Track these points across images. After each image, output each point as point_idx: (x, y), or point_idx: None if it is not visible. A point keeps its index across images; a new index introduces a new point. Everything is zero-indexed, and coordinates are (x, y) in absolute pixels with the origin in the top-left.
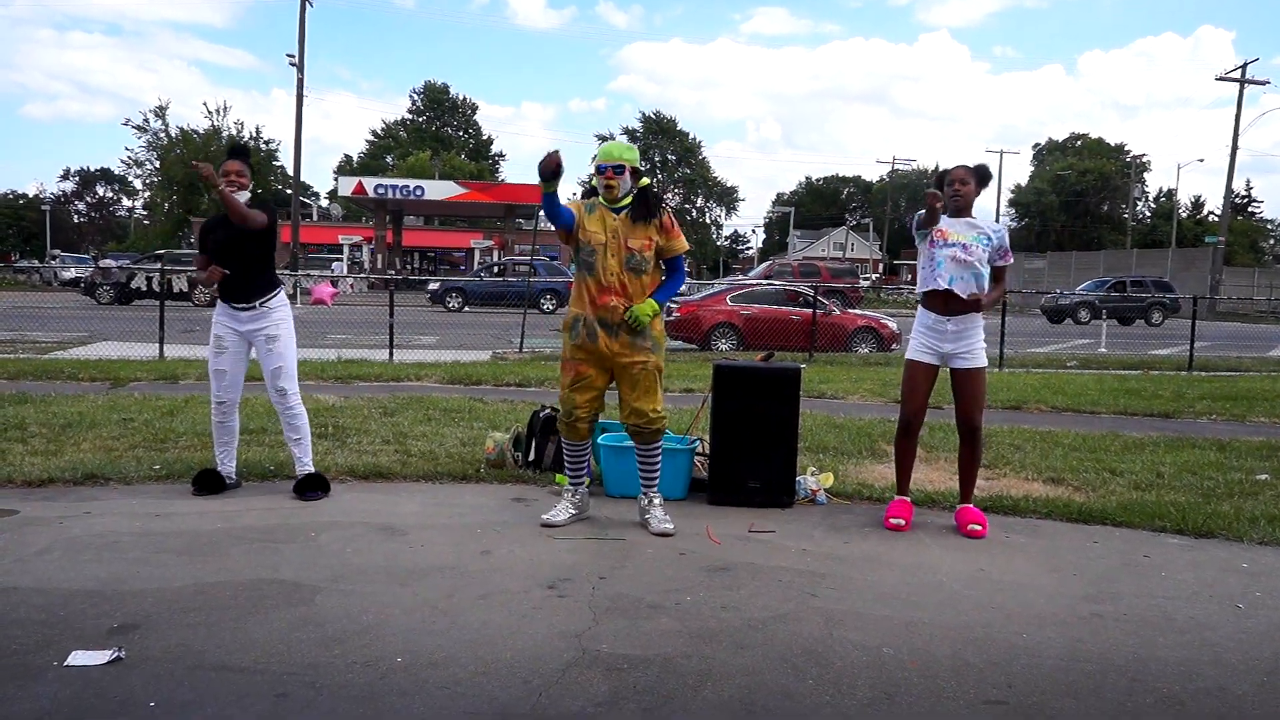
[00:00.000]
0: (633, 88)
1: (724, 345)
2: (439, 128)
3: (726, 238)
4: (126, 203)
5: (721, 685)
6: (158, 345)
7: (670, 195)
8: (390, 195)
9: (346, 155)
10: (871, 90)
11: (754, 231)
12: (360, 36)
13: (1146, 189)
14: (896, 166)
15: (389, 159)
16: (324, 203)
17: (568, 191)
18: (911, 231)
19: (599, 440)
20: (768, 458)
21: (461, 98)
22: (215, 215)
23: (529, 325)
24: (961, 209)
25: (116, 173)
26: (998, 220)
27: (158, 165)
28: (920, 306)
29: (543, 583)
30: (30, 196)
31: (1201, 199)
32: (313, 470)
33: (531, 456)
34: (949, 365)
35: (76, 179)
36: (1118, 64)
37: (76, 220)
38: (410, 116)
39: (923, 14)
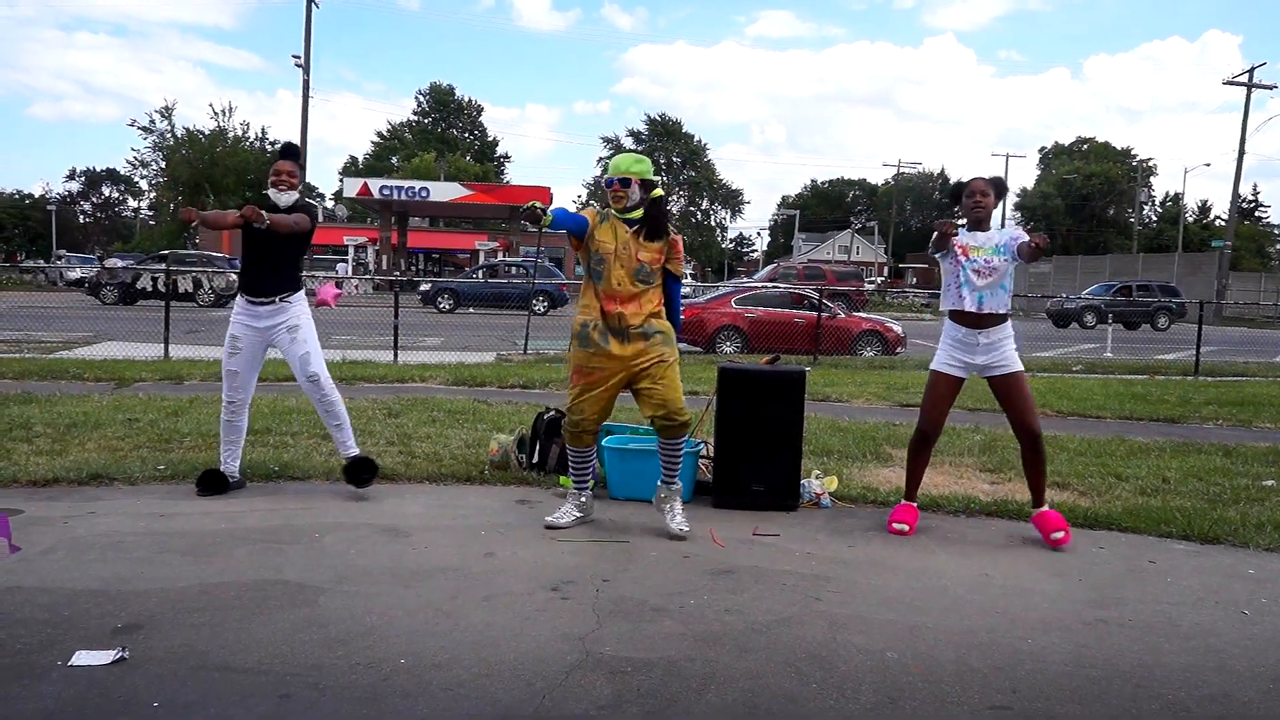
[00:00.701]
0: (637, 90)
1: (728, 348)
2: (444, 129)
3: (731, 240)
4: (132, 203)
5: (725, 689)
6: (163, 345)
7: (675, 198)
8: (395, 196)
9: (352, 156)
10: (876, 93)
11: (759, 234)
12: (366, 38)
13: (1153, 193)
14: (902, 170)
15: (394, 160)
16: (329, 204)
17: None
18: (931, 254)
19: (603, 443)
20: (772, 461)
21: (467, 99)
22: (266, 201)
23: (533, 327)
24: (981, 221)
25: (122, 173)
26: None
27: (163, 166)
28: (948, 319)
29: (546, 585)
30: (36, 197)
31: (1208, 203)
32: (357, 453)
33: (535, 459)
34: (986, 376)
35: (82, 179)
36: (1124, 68)
37: (82, 221)
38: (415, 118)
39: (928, 17)
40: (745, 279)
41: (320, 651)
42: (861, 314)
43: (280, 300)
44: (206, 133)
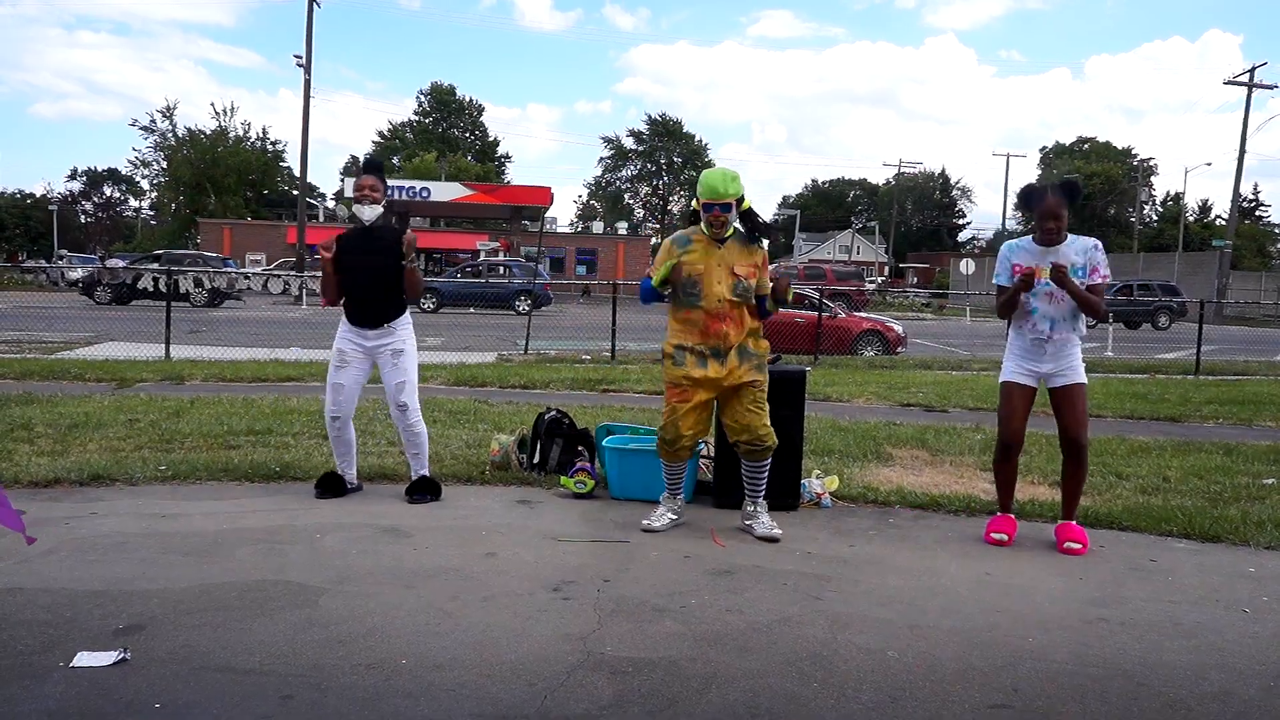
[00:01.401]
0: (639, 90)
1: None
2: (445, 129)
3: None
4: (134, 203)
5: (726, 689)
6: (164, 346)
7: (675, 197)
8: (396, 196)
9: (353, 156)
10: (878, 93)
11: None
12: (367, 37)
13: (1154, 193)
14: (903, 169)
15: (395, 160)
16: (330, 203)
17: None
18: (997, 298)
19: (603, 443)
20: (773, 461)
21: (468, 99)
22: (351, 231)
23: (534, 328)
24: (1056, 243)
25: (124, 173)
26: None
27: (165, 165)
28: (1013, 330)
29: (547, 585)
30: (38, 196)
31: (1209, 203)
32: (427, 474)
33: (536, 459)
34: (1048, 384)
35: (84, 179)
36: (1125, 68)
37: (84, 220)
38: (417, 118)
39: (929, 17)
40: None
41: (322, 652)
42: (862, 314)
43: (386, 325)
44: (208, 132)
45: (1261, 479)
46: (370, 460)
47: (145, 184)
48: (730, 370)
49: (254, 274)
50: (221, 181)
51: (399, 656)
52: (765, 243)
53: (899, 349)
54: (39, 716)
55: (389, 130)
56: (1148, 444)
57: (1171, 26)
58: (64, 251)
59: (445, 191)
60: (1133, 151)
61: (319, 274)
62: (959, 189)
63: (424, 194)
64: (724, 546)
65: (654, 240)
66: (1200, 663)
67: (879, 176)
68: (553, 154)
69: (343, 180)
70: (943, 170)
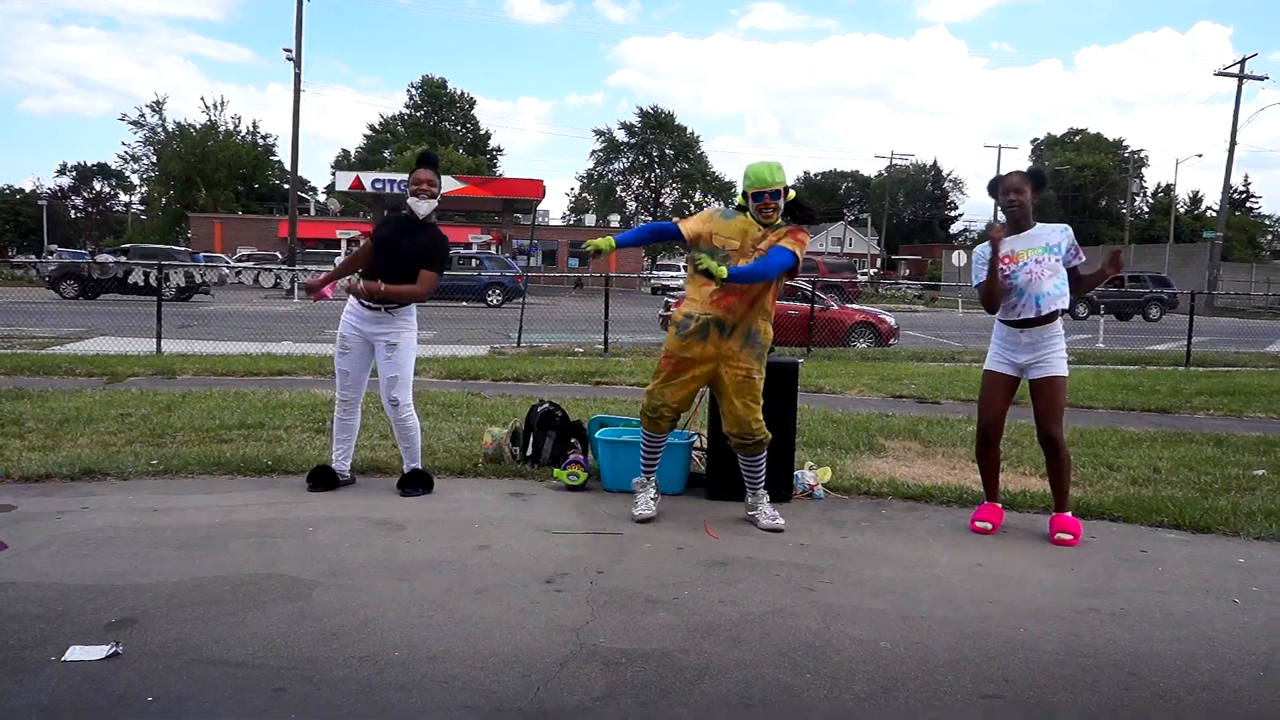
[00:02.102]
0: (630, 82)
1: None
2: (437, 122)
3: None
4: (124, 198)
5: (719, 679)
6: (155, 340)
7: (668, 190)
8: (388, 190)
9: (344, 150)
10: (869, 85)
11: None
12: (358, 31)
13: (1145, 184)
14: (895, 161)
15: (387, 154)
16: (321, 198)
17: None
18: (977, 286)
19: (596, 435)
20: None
21: (459, 92)
22: (399, 215)
23: (527, 320)
24: (1020, 220)
25: (114, 168)
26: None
27: (154, 160)
28: (997, 318)
29: (540, 577)
30: (27, 191)
31: (1200, 194)
32: (419, 468)
33: (529, 451)
34: (1026, 375)
35: (73, 174)
36: (1116, 59)
37: (73, 215)
38: (408, 111)
39: (920, 9)
40: None
41: (314, 645)
42: (855, 306)
43: (386, 310)
44: (198, 127)
45: (1252, 470)
46: (363, 453)
47: (135, 179)
48: (730, 350)
49: (231, 266)
50: (212, 176)
51: (392, 649)
52: (814, 214)
53: (891, 341)
54: (31, 710)
55: (380, 124)
56: (1139, 435)
57: (1161, 18)
58: (54, 247)
59: None
60: (1124, 143)
61: (307, 268)
62: (951, 181)
63: None
64: (717, 538)
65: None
66: (1190, 653)
67: (871, 169)
68: (544, 147)
69: (334, 174)
70: (934, 162)
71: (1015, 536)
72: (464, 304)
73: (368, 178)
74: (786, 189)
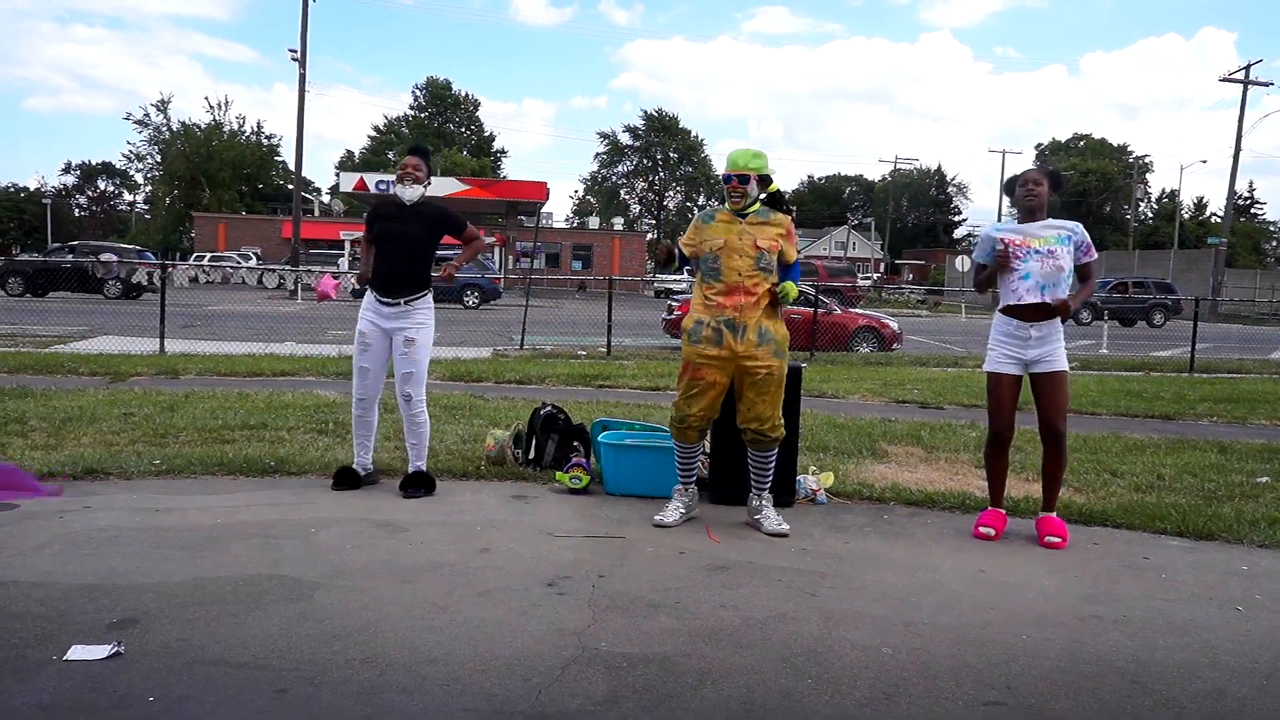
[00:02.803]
0: (634, 85)
1: None
2: (441, 124)
3: None
4: (128, 197)
5: (721, 684)
6: (159, 340)
7: (672, 193)
8: (391, 192)
9: (348, 151)
10: (873, 90)
11: None
12: (363, 32)
13: (1149, 190)
14: (898, 166)
15: (391, 155)
16: (326, 198)
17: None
18: (974, 276)
19: (599, 438)
20: None
21: (464, 94)
22: (383, 200)
23: (530, 322)
24: (1034, 210)
25: (118, 167)
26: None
27: (159, 159)
28: (999, 314)
29: (542, 580)
30: (32, 190)
31: (1204, 200)
32: (423, 469)
33: (532, 454)
34: (1030, 371)
35: (78, 173)
36: (1120, 65)
37: (78, 214)
38: (412, 112)
39: (925, 13)
40: None
41: (316, 646)
42: (858, 310)
43: (405, 303)
44: (202, 126)
45: (1256, 477)
46: None
47: (139, 178)
48: (747, 349)
49: (210, 266)
50: (216, 175)
51: (393, 651)
52: (792, 210)
53: (894, 346)
54: (33, 710)
55: (384, 125)
56: (1142, 442)
57: (1166, 24)
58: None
59: (440, 187)
60: (1128, 148)
61: (312, 269)
62: (955, 185)
63: None
64: (719, 542)
65: (650, 236)
66: (1193, 660)
67: (875, 173)
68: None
69: (338, 175)
70: (938, 167)
71: (1018, 542)
72: (440, 305)
73: (372, 179)
74: (765, 178)
